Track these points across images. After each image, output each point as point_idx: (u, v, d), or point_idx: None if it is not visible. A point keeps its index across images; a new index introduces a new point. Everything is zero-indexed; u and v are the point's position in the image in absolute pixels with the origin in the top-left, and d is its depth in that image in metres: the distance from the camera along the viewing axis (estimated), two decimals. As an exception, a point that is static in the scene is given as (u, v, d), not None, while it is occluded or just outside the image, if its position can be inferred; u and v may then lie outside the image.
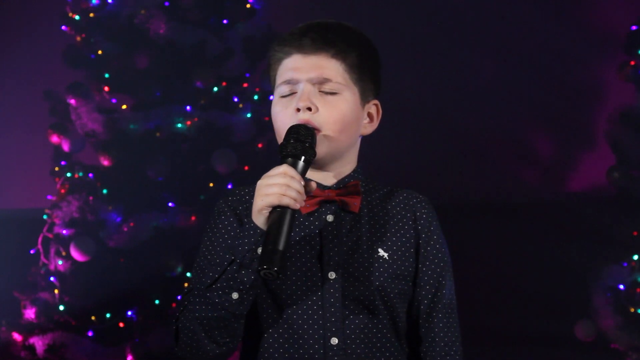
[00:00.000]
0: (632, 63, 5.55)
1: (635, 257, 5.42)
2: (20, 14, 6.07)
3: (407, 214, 2.11)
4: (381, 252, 2.06)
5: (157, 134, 5.57)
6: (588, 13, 6.30)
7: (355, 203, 2.07)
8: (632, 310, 5.39)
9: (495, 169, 6.24)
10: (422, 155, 6.04)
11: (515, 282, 5.82)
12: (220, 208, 2.11)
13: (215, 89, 5.63)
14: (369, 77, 2.11)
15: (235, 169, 5.56)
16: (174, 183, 5.56)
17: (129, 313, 5.46)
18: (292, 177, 1.92)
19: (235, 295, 1.95)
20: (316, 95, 2.05)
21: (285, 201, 1.91)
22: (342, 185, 2.09)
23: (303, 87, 2.05)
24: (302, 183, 1.93)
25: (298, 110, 2.03)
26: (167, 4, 5.63)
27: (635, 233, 5.46)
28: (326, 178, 2.08)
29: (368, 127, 2.13)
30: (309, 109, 2.03)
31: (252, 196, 2.08)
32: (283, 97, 2.08)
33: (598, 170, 5.78)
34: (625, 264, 5.44)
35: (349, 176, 2.11)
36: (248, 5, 5.72)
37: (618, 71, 5.63)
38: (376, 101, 2.14)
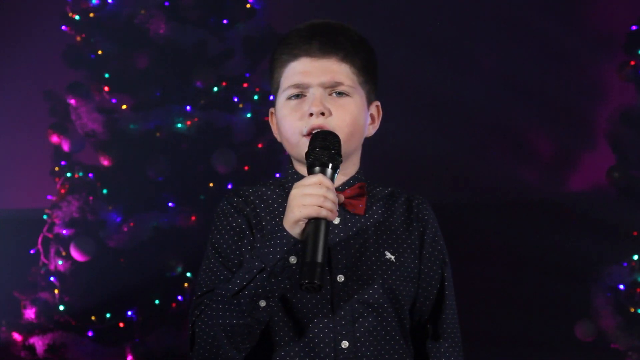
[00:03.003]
0: (632, 63, 5.55)
1: (635, 257, 5.42)
2: (20, 14, 6.07)
3: (410, 216, 2.12)
4: (388, 255, 2.06)
5: (157, 134, 5.57)
6: (588, 13, 6.30)
7: (361, 205, 2.07)
8: (632, 310, 5.39)
9: (495, 168, 6.24)
10: (422, 154, 6.04)
11: (515, 282, 5.82)
12: (227, 209, 2.08)
13: (215, 89, 5.63)
14: (372, 79, 2.12)
15: (235, 169, 5.56)
16: (174, 183, 5.56)
17: (129, 313, 5.46)
18: (328, 188, 1.90)
19: (262, 303, 1.93)
20: (327, 99, 2.05)
21: (324, 214, 1.89)
22: (348, 187, 2.08)
23: (315, 92, 2.04)
24: (336, 193, 1.92)
25: (311, 114, 2.03)
26: (167, 4, 5.63)
27: (635, 233, 5.46)
28: None
29: (371, 129, 2.14)
30: (322, 113, 2.03)
31: (256, 197, 2.09)
32: (290, 99, 2.06)
33: (598, 170, 5.78)
34: (625, 264, 5.44)
35: (353, 178, 2.10)
36: (248, 5, 5.72)
37: (618, 71, 5.63)
38: (377, 102, 2.15)
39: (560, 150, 6.42)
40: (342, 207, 2.05)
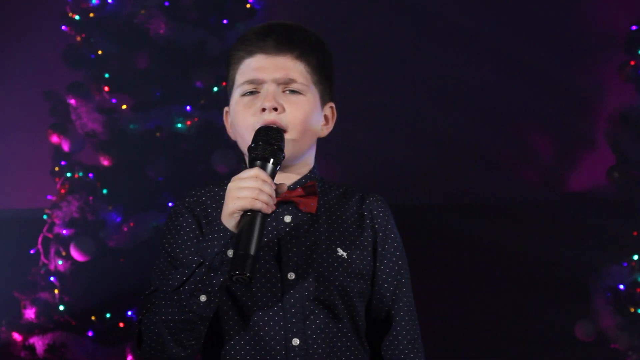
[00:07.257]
0: (632, 63, 5.56)
1: (635, 257, 5.42)
2: (20, 14, 6.07)
3: (363, 213, 2.12)
4: (340, 252, 2.07)
5: (157, 134, 5.57)
6: (588, 13, 6.30)
7: (312, 203, 2.07)
8: (632, 310, 5.39)
9: (495, 169, 6.24)
10: (423, 155, 6.04)
11: (515, 282, 5.82)
12: (177, 210, 2.10)
13: (215, 89, 5.63)
14: (327, 79, 2.14)
15: (235, 169, 5.54)
16: (174, 183, 5.56)
17: (129, 313, 5.46)
18: (264, 181, 1.92)
19: (203, 298, 1.94)
20: (281, 95, 2.06)
21: (258, 205, 1.90)
22: (299, 185, 2.09)
23: (268, 88, 2.06)
24: (273, 187, 1.93)
25: (263, 110, 2.04)
26: (167, 4, 5.63)
27: (635, 233, 5.46)
28: (284, 179, 2.08)
29: (324, 129, 2.15)
30: (275, 109, 2.04)
31: (208, 197, 2.11)
32: (245, 95, 2.08)
33: (598, 170, 5.78)
34: (625, 264, 5.44)
35: (305, 177, 2.12)
36: (248, 5, 5.72)
37: (618, 71, 5.63)
38: (332, 104, 2.17)
39: (560, 151, 6.42)
40: (294, 205, 2.07)
